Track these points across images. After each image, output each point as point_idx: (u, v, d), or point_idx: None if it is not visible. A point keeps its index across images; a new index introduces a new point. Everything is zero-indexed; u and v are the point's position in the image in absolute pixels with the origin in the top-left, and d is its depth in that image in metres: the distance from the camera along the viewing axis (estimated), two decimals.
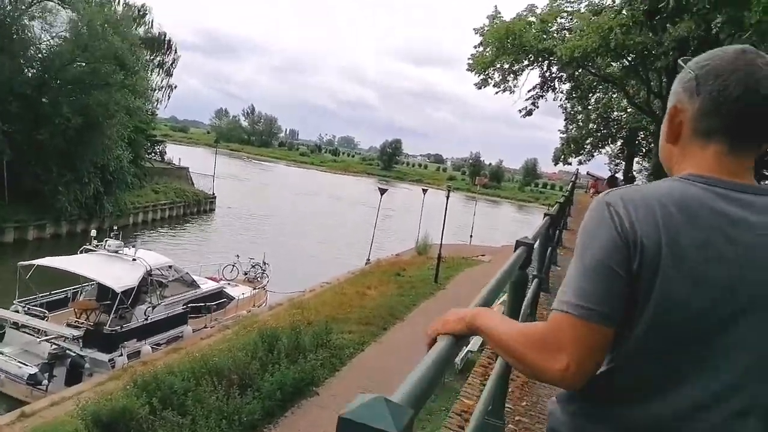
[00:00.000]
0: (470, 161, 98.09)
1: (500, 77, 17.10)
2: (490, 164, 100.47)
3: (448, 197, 19.92)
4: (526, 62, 16.60)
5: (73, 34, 24.62)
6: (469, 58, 16.86)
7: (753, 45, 1.19)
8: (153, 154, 41.32)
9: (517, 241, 2.63)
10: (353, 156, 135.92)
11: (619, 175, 30.98)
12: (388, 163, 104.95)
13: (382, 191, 28.46)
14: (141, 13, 37.83)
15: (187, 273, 14.80)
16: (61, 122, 23.13)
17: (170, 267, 14.15)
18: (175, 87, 41.36)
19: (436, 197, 33.72)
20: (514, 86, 17.78)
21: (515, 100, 18.11)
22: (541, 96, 17.97)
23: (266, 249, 28.77)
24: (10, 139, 22.68)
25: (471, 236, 37.21)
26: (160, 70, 39.93)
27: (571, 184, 15.42)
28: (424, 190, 31.57)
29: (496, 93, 17.91)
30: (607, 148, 32.03)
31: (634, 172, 31.49)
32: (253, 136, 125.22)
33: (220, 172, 57.15)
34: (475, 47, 16.70)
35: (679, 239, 0.91)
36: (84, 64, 24.71)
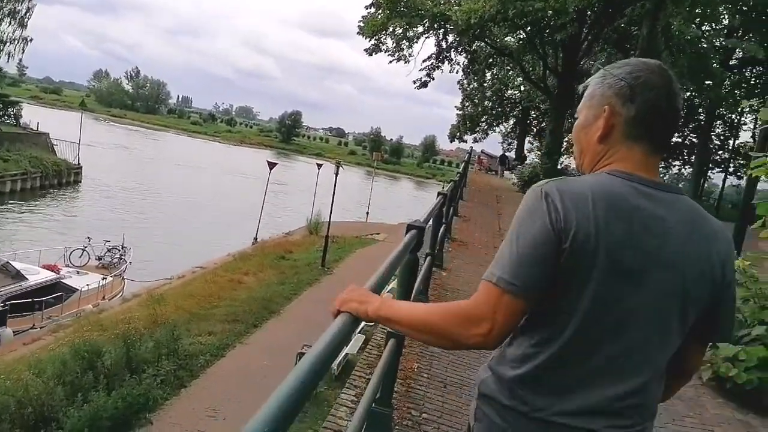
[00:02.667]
0: (371, 136, 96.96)
1: (394, 44, 15.59)
2: (391, 140, 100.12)
3: (336, 174, 18.31)
4: (420, 28, 15.21)
5: None
6: (360, 21, 15.17)
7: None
8: (5, 118, 35.67)
9: (407, 225, 2.66)
10: (251, 127, 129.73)
11: (512, 154, 31.15)
12: (287, 135, 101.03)
13: (271, 165, 26.22)
14: None
15: (7, 262, 11.98)
16: None
17: None
18: (31, 40, 35.45)
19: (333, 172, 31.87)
20: (409, 55, 16.40)
21: (410, 70, 16.77)
22: (437, 67, 16.76)
23: (140, 227, 25.63)
24: None
25: (367, 213, 36.02)
26: (12, 20, 33.97)
27: (464, 163, 14.38)
28: (319, 165, 29.54)
29: (390, 62, 16.47)
30: (501, 126, 32.05)
31: (526, 152, 31.87)
32: (138, 102, 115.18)
33: (96, 141, 51.19)
34: (366, 8, 15.01)
35: (610, 231, 1.03)
36: None
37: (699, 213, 1.11)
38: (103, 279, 14.52)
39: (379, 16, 14.54)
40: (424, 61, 16.46)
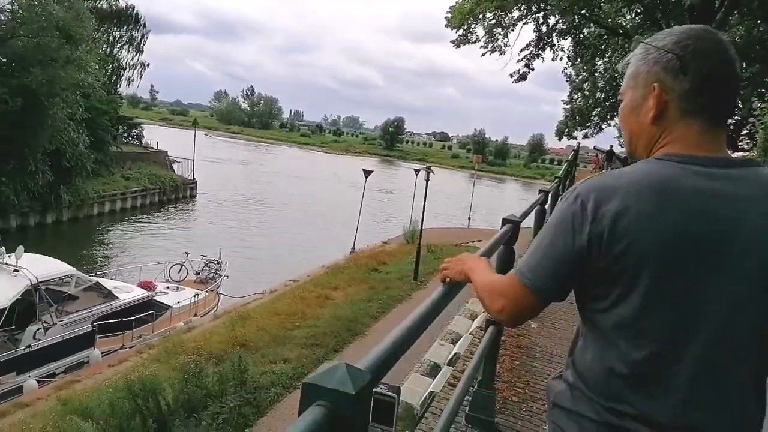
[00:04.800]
0: (474, 138, 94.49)
1: (485, 33, 14.01)
2: (496, 141, 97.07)
3: (427, 180, 17.07)
4: (516, 13, 13.51)
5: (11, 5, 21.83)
6: (447, 11, 13.81)
7: None
8: (130, 138, 38.89)
9: (503, 218, 2.61)
10: (357, 136, 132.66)
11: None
12: (390, 142, 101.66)
13: (367, 173, 25.66)
14: None
15: (97, 282, 12.11)
16: None
17: (70, 276, 11.45)
18: (148, 65, 38.47)
19: (437, 177, 30.50)
20: (505, 45, 14.72)
21: (506, 62, 15.08)
22: (537, 55, 14.89)
23: (248, 239, 26.22)
24: None
25: (469, 218, 34.30)
26: (130, 47, 36.92)
27: (567, 163, 12.35)
28: (417, 170, 28.35)
29: (483, 54, 14.89)
30: (616, 119, 28.77)
31: None
32: (253, 118, 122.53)
33: (215, 156, 54.52)
34: None
35: (660, 221, 0.94)
36: (27, 38, 21.91)
37: None
38: (195, 295, 14.44)
39: (466, 3, 13.09)
40: (521, 50, 14.77)
